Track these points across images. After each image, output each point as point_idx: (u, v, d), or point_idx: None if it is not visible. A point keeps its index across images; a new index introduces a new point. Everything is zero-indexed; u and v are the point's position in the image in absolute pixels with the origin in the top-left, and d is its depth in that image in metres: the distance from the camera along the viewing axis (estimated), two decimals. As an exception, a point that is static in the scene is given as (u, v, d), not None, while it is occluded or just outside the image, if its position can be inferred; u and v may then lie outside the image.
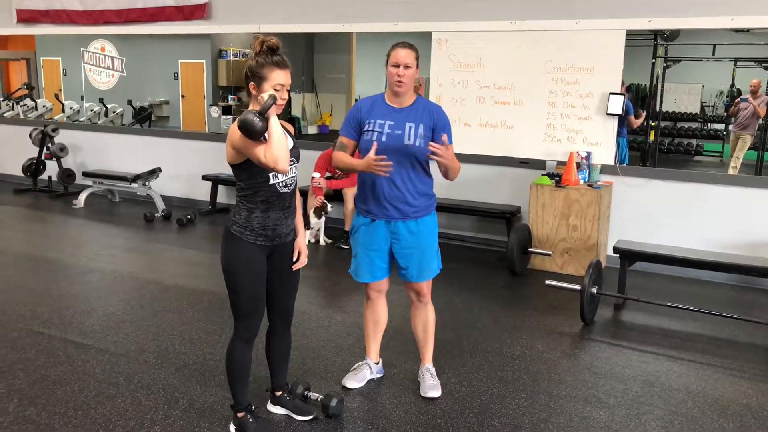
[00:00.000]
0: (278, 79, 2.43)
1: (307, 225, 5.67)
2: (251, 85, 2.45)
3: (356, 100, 14.47)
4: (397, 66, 2.82)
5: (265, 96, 2.37)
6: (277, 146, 2.32)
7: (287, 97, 2.48)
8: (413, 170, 2.90)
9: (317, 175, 5.88)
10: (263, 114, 2.31)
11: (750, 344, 3.87)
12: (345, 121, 2.99)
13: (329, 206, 5.77)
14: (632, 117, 7.41)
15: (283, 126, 2.60)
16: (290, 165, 2.53)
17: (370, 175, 2.87)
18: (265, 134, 2.33)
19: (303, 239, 2.73)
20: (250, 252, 2.52)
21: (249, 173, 2.47)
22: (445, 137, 2.80)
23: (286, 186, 2.54)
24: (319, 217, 5.76)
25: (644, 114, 7.87)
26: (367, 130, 2.90)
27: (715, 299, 4.68)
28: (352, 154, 2.98)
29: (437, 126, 2.89)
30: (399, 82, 2.83)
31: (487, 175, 5.76)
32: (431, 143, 2.78)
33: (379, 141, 2.86)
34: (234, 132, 2.37)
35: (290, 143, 2.57)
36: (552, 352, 3.66)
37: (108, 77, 13.62)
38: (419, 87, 13.54)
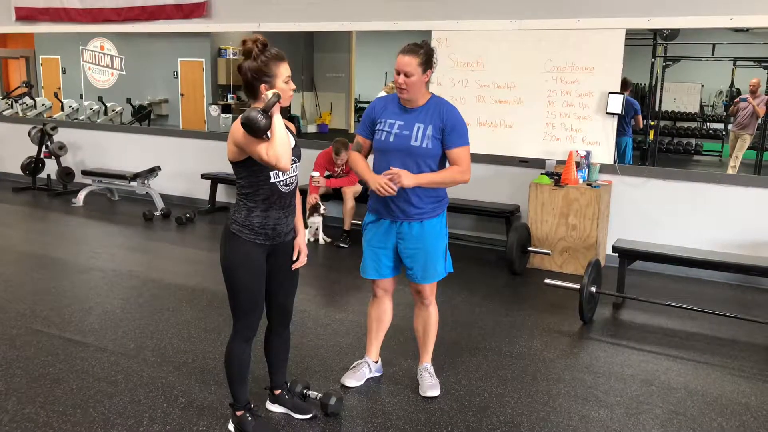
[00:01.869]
0: (286, 72, 2.45)
1: (305, 224, 5.67)
2: (263, 87, 2.42)
3: (356, 99, 14.48)
4: (398, 73, 2.79)
5: (269, 94, 2.37)
6: (279, 144, 2.32)
7: (294, 88, 2.51)
8: (419, 172, 2.84)
9: (316, 174, 5.88)
10: (267, 111, 2.31)
11: (749, 343, 3.87)
12: (361, 120, 3.01)
13: (322, 207, 5.77)
14: (640, 117, 7.40)
15: (285, 124, 2.60)
16: (291, 164, 2.53)
17: (378, 164, 2.90)
18: (268, 132, 2.33)
19: (303, 238, 2.73)
20: (250, 251, 2.52)
21: (250, 171, 2.47)
22: (414, 171, 2.80)
23: (287, 185, 2.54)
24: (311, 215, 5.76)
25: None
26: (378, 130, 2.90)
27: (714, 298, 4.68)
28: (368, 153, 3.01)
29: (447, 126, 2.84)
30: (400, 89, 2.81)
31: (486, 174, 5.75)
32: (386, 172, 2.78)
33: (387, 141, 2.87)
34: (237, 129, 2.37)
35: (292, 142, 2.57)
36: (551, 351, 3.67)
37: (107, 76, 13.61)
38: None
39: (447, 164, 2.95)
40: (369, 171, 2.91)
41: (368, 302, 3.21)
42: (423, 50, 2.79)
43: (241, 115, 2.34)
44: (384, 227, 2.97)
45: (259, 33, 2.50)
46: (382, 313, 3.16)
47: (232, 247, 2.52)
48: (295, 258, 2.69)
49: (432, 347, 3.17)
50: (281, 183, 2.51)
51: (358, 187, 5.87)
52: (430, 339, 3.15)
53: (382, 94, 9.00)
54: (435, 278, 3.00)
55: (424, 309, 3.10)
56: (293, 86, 2.49)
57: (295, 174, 2.58)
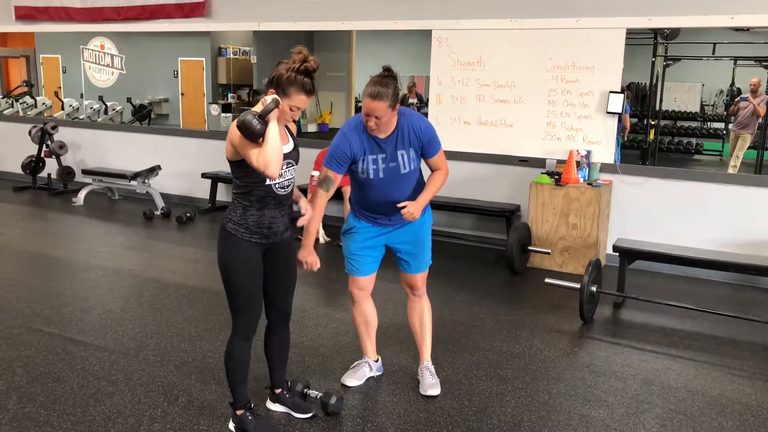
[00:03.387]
0: (299, 102, 2.44)
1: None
2: (271, 91, 2.44)
3: (356, 99, 14.47)
4: (368, 115, 2.72)
5: (268, 99, 2.37)
6: (270, 151, 2.32)
7: (297, 118, 2.50)
8: (410, 187, 2.93)
9: (317, 173, 5.87)
10: (263, 117, 2.31)
11: (749, 343, 3.87)
12: (333, 156, 2.81)
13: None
14: (627, 116, 7.41)
15: (287, 127, 2.61)
16: (289, 167, 2.54)
17: (368, 192, 2.90)
18: (264, 136, 2.33)
19: (305, 202, 2.71)
20: (246, 249, 2.52)
21: (246, 171, 2.47)
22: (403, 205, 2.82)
23: (282, 187, 2.54)
24: None
25: None
26: (362, 168, 2.84)
27: (715, 298, 4.68)
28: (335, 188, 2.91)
29: (424, 143, 2.88)
30: (371, 130, 2.77)
31: (486, 173, 5.75)
32: (399, 205, 2.82)
33: (377, 177, 2.85)
34: (234, 130, 2.38)
35: (291, 145, 2.57)
36: (551, 351, 3.67)
37: (107, 75, 13.61)
38: (413, 87, 13.51)
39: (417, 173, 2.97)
40: (313, 234, 2.82)
41: (352, 307, 3.20)
42: (390, 89, 2.68)
43: (238, 117, 2.35)
44: (378, 231, 3.00)
45: (314, 57, 2.44)
46: (368, 314, 3.16)
47: (228, 246, 2.52)
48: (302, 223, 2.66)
49: (430, 343, 3.18)
50: (277, 185, 2.51)
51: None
52: (428, 333, 3.16)
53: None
54: (426, 266, 3.08)
55: (418, 301, 3.13)
56: (296, 117, 2.50)
57: (291, 177, 2.58)
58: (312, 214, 2.71)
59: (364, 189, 2.92)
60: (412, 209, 2.82)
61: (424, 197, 2.90)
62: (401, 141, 2.84)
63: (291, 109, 2.46)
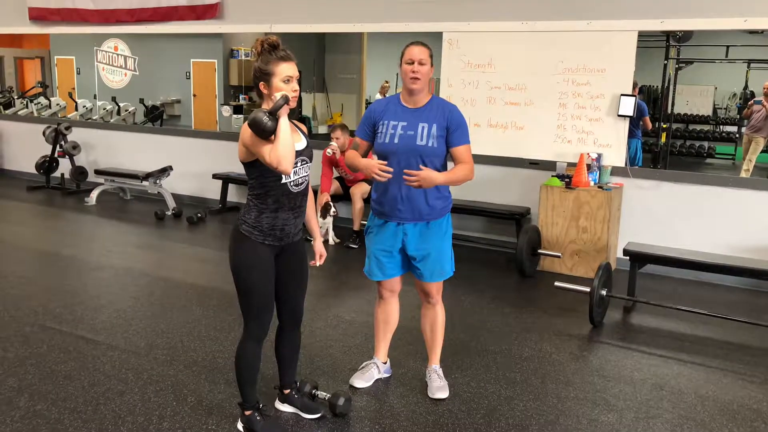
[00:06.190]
0: (285, 71, 2.45)
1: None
2: (261, 84, 2.48)
3: (367, 101, 14.49)
4: (411, 62, 2.84)
5: (277, 96, 2.40)
6: (282, 147, 2.34)
7: (298, 89, 2.50)
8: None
9: (334, 143, 5.84)
10: (274, 114, 2.34)
11: (761, 349, 3.84)
12: (361, 122, 3.03)
13: (333, 208, 5.78)
14: (647, 118, 7.37)
15: (297, 126, 2.62)
16: (303, 164, 2.55)
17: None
18: (275, 133, 2.35)
19: (320, 243, 2.80)
20: (259, 251, 2.53)
21: (260, 171, 2.48)
22: (419, 170, 2.76)
23: (297, 185, 2.55)
24: (324, 217, 5.76)
25: None
26: (381, 132, 2.92)
27: (726, 303, 4.64)
28: (365, 154, 3.02)
29: (451, 126, 2.88)
30: (414, 78, 2.84)
31: (496, 175, 5.74)
32: (405, 170, 2.76)
33: (392, 142, 2.88)
34: (245, 130, 2.41)
35: (303, 143, 2.58)
36: (560, 354, 3.65)
37: (121, 76, 13.73)
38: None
39: (448, 163, 2.96)
40: (360, 159, 2.93)
41: (375, 303, 3.22)
42: (428, 46, 2.91)
43: (248, 116, 2.37)
44: (390, 230, 2.98)
45: (273, 34, 2.52)
46: (389, 315, 3.17)
47: (241, 248, 2.54)
48: (320, 264, 2.76)
49: (440, 348, 3.17)
50: (291, 183, 2.53)
51: (367, 188, 5.87)
52: (438, 340, 3.15)
53: (378, 97, 8.70)
54: (442, 277, 3.03)
55: (431, 309, 3.12)
56: (295, 87, 2.47)
57: (306, 174, 2.59)
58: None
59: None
60: (424, 174, 2.72)
61: (441, 175, 2.80)
62: (427, 115, 2.89)
63: (286, 82, 2.44)
